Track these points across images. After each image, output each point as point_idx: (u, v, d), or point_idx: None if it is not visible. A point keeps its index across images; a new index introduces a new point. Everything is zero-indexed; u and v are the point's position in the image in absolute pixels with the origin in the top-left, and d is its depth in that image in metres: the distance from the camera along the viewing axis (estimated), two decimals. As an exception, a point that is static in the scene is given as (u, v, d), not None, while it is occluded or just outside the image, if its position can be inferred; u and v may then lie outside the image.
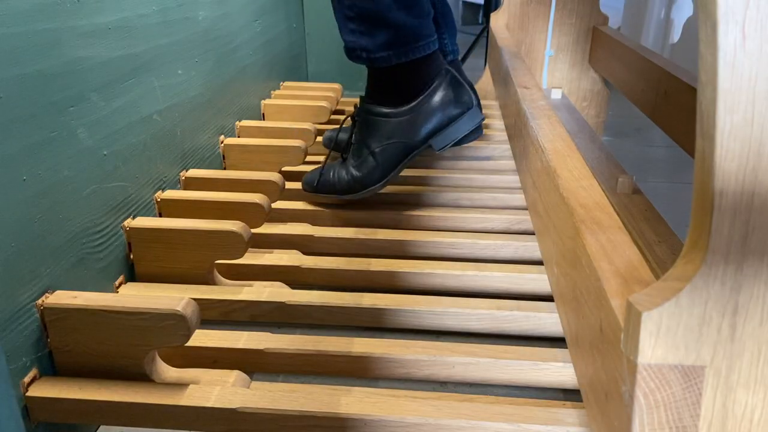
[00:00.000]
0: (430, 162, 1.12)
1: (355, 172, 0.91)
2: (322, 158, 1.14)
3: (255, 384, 0.61)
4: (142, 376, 0.57)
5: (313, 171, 0.95)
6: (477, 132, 0.97)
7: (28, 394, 0.55)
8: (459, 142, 0.95)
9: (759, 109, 0.30)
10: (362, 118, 0.91)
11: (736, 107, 0.30)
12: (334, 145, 1.11)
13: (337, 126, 1.18)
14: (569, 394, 0.64)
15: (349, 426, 0.54)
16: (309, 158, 1.11)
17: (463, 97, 0.90)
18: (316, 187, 0.93)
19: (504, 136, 1.21)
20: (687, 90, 0.91)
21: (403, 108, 0.88)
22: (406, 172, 1.06)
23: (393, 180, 0.93)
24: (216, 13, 1.01)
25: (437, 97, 0.88)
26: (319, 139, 1.19)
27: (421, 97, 0.88)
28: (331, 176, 0.93)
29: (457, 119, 0.90)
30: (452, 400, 0.57)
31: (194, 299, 0.57)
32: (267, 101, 1.29)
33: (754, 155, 0.31)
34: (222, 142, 1.05)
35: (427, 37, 0.87)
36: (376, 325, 0.71)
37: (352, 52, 0.89)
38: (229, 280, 0.78)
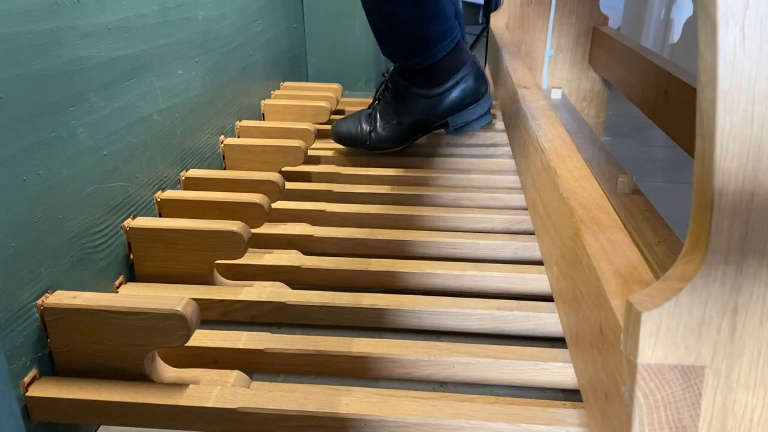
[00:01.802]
0: (430, 162, 1.12)
1: (383, 133, 1.08)
2: (323, 155, 1.14)
3: (255, 384, 0.61)
4: (142, 376, 0.57)
5: (340, 122, 1.12)
6: (486, 118, 1.14)
7: (28, 394, 0.55)
8: (471, 126, 1.12)
9: (759, 109, 0.30)
10: (396, 88, 1.08)
11: (735, 107, 0.30)
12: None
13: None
14: (569, 394, 0.64)
15: (349, 426, 0.54)
16: (311, 153, 1.11)
17: (481, 89, 1.07)
18: (345, 139, 1.11)
19: (504, 136, 1.21)
20: (687, 90, 0.91)
21: (434, 91, 1.05)
22: (406, 172, 1.06)
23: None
24: (216, 13, 1.01)
25: (462, 85, 1.05)
26: (319, 138, 1.20)
27: (450, 83, 1.05)
28: (359, 131, 1.09)
29: (472, 104, 1.08)
30: (452, 400, 0.57)
31: (194, 299, 0.57)
32: (267, 101, 1.29)
33: (753, 155, 0.31)
34: (222, 142, 1.05)
35: (451, 34, 1.02)
36: (376, 325, 0.71)
37: (388, 56, 1.07)
38: (229, 280, 0.78)
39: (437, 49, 1.02)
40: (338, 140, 1.12)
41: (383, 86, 1.11)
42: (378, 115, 1.10)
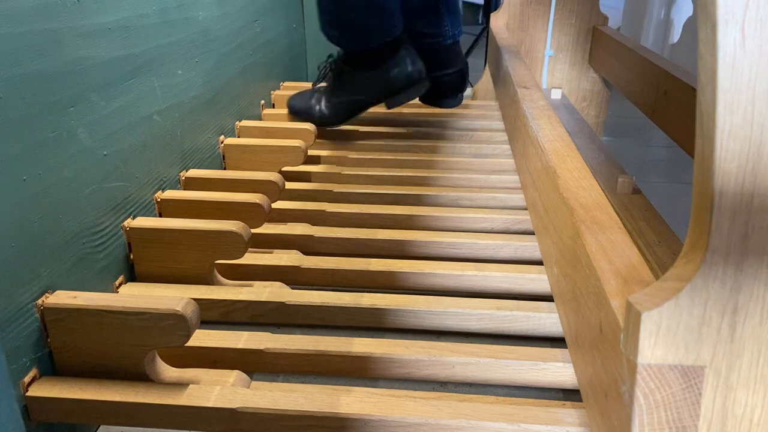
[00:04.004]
0: (430, 162, 1.12)
1: (326, 111, 1.19)
2: (323, 155, 1.14)
3: (255, 384, 0.61)
4: (142, 376, 0.57)
5: (298, 97, 1.22)
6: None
7: (28, 394, 0.55)
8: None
9: (759, 110, 0.30)
10: (337, 71, 1.18)
11: (735, 107, 0.30)
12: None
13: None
14: (569, 394, 0.64)
15: (349, 426, 0.54)
16: (311, 153, 1.11)
17: (414, 75, 1.15)
18: (299, 113, 1.21)
19: (504, 136, 1.21)
20: (687, 90, 0.91)
21: (368, 73, 1.15)
22: (406, 172, 1.06)
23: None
24: (216, 13, 1.01)
25: (394, 70, 1.14)
26: (319, 138, 1.20)
27: (381, 68, 1.14)
28: (311, 108, 1.20)
29: (407, 89, 1.16)
30: (452, 400, 0.57)
31: (194, 299, 0.57)
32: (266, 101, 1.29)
33: (753, 156, 0.31)
34: (222, 142, 1.05)
35: (389, 29, 1.11)
36: (376, 325, 0.71)
37: (325, 34, 1.16)
38: (229, 280, 0.78)
39: (374, 39, 1.11)
40: (292, 114, 1.22)
41: (327, 68, 1.21)
42: (322, 95, 1.20)
